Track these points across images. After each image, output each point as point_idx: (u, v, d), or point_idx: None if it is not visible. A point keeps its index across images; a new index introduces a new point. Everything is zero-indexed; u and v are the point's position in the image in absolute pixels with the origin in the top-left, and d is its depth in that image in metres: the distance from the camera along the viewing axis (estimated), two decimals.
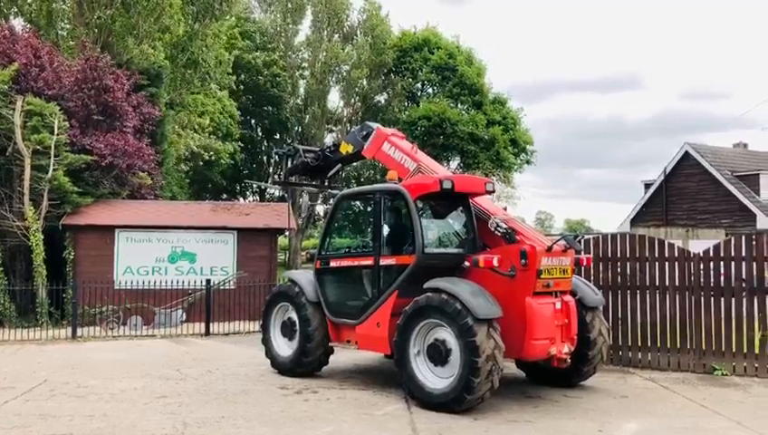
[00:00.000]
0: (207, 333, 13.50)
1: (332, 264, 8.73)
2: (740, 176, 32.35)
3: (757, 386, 8.34)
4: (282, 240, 34.17)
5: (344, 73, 42.07)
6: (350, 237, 9.43)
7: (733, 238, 9.40)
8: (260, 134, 45.92)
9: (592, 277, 9.78)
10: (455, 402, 6.85)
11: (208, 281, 14.33)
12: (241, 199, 46.60)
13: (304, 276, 9.02)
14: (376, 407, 7.28)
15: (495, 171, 42.91)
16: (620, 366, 9.56)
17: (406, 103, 44.43)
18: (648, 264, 9.58)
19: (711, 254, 9.26)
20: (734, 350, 8.98)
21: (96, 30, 21.07)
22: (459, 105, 43.91)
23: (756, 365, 8.81)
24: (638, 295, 9.61)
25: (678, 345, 9.30)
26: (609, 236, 10.11)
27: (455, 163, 45.69)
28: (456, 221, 8.54)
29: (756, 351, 8.83)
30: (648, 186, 35.66)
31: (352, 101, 43.97)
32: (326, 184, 10.90)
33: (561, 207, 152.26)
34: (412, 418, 6.85)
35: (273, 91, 40.98)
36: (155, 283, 14.59)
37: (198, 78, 27.56)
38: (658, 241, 9.71)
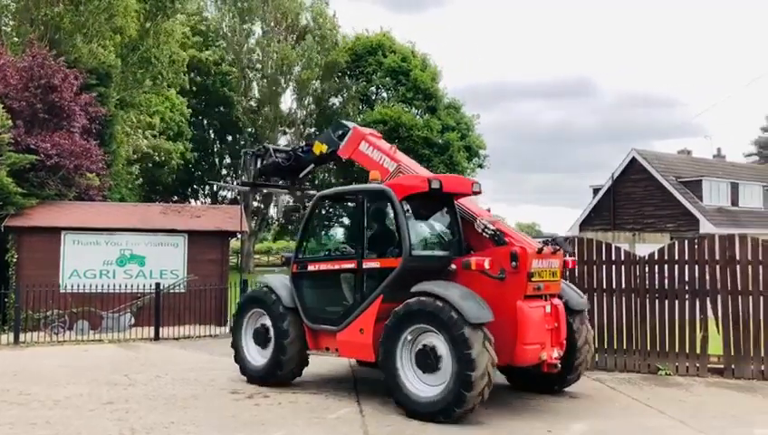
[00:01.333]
0: (157, 337, 13.25)
1: (310, 268, 8.34)
2: (684, 182, 33.41)
3: (698, 385, 8.62)
4: (234, 243, 33.75)
5: (296, 75, 41.86)
6: (328, 240, 9.00)
7: (676, 242, 9.71)
8: (212, 135, 45.37)
9: None
10: (442, 414, 6.64)
11: (158, 284, 14.07)
12: (192, 201, 45.92)
13: (280, 282, 8.62)
14: (328, 411, 7.27)
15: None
16: None
17: (361, 107, 44.51)
18: (595, 267, 9.82)
19: (656, 257, 9.54)
20: (677, 350, 9.27)
21: (42, 27, 20.49)
22: (414, 109, 44.23)
23: (698, 365, 9.11)
24: (586, 298, 9.84)
25: (625, 346, 9.55)
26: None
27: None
28: (440, 223, 8.24)
29: (698, 351, 9.13)
30: (596, 191, 36.49)
31: (306, 102, 43.80)
32: (297, 185, 10.60)
33: (512, 211, 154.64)
34: (364, 421, 6.86)
35: (225, 91, 40.54)
36: (103, 286, 14.25)
37: (150, 77, 27.06)
38: (606, 245, 9.96)
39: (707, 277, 9.19)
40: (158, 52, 25.88)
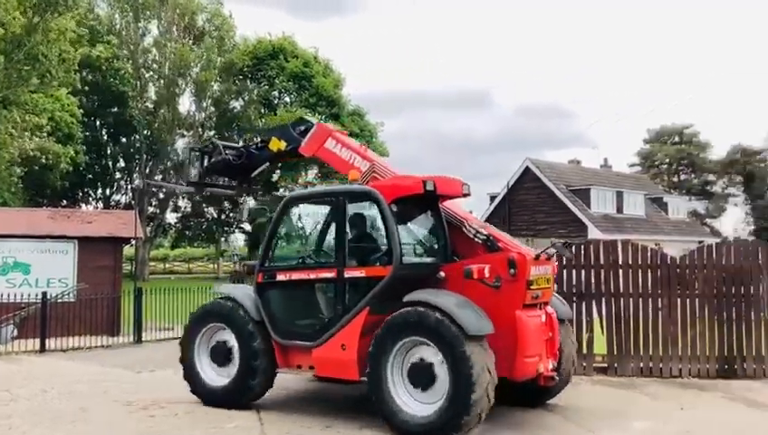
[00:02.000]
0: (43, 349, 12.55)
1: (280, 277, 7.52)
2: (574, 190, 35.18)
3: (585, 384, 9.10)
4: (128, 250, 32.47)
5: (194, 76, 40.90)
6: (301, 247, 8.14)
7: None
8: (105, 136, 43.49)
9: None
10: None
11: (44, 294, 13.35)
12: (83, 206, 43.80)
13: (243, 292, 7.79)
14: (227, 420, 7.14)
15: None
16: None
17: (263, 111, 44.00)
18: None
19: None
20: None
21: None
22: (317, 115, 44.17)
23: (584, 364, 9.62)
24: None
25: None
26: None
27: (312, 172, 45.80)
28: (426, 227, 7.69)
29: (584, 351, 9.64)
30: (492, 198, 37.80)
31: (205, 105, 42.83)
32: (248, 186, 9.70)
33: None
34: (263, 429, 6.80)
35: (118, 89, 38.87)
36: None
37: (38, 75, 25.64)
38: None
39: (593, 280, 9.74)
40: (47, 49, 24.57)
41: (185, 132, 43.23)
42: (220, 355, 7.69)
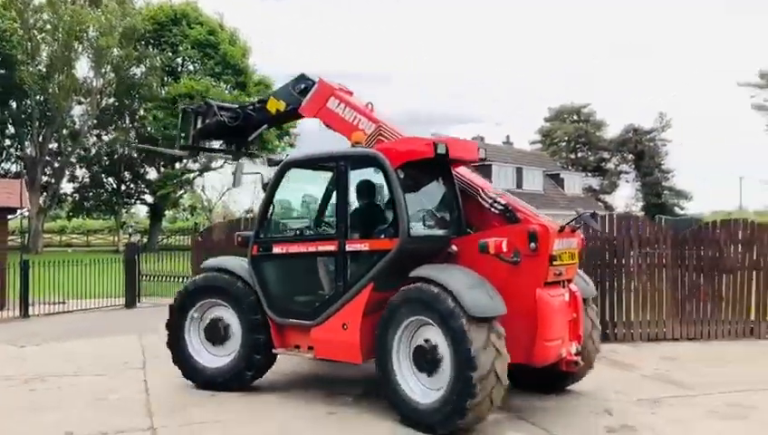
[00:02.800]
0: None
1: (276, 249, 6.90)
2: (476, 166, 36.14)
3: None
4: (18, 222, 30.90)
5: (92, 40, 39.01)
6: (299, 217, 7.53)
7: None
8: None
9: None
10: (442, 425, 5.53)
11: None
12: None
13: (239, 265, 7.12)
14: (111, 392, 7.10)
15: (259, 153, 43.11)
16: None
17: (165, 78, 42.60)
18: None
19: None
20: None
21: None
22: (222, 84, 43.25)
23: None
24: None
25: None
26: None
27: (216, 143, 44.79)
28: (437, 196, 6.88)
29: None
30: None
31: (104, 71, 40.98)
32: (245, 149, 9.00)
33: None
34: (149, 399, 6.83)
35: (5, 49, 36.49)
36: None
37: None
38: None
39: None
40: None
41: (82, 99, 41.30)
42: (216, 335, 7.13)
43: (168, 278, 16.20)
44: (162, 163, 43.63)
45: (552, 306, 5.88)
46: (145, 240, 34.46)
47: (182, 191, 45.10)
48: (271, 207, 7.09)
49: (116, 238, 47.94)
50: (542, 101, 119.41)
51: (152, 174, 44.99)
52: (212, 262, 7.57)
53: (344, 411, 6.36)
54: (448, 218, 6.73)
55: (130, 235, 15.18)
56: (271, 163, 7.49)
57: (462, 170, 6.94)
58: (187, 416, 6.23)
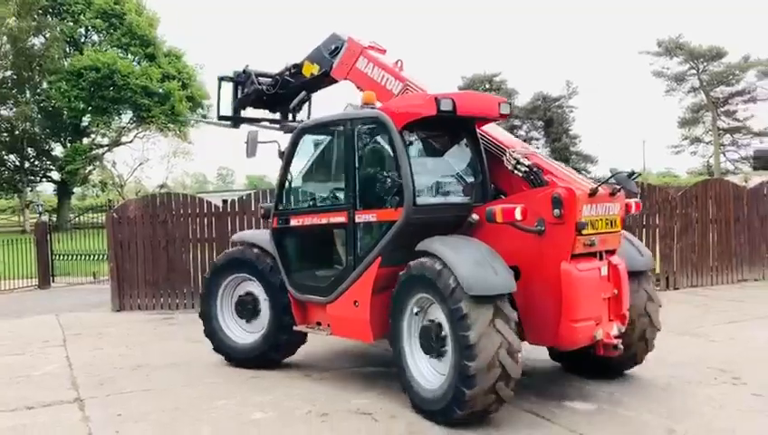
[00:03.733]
0: None
1: (293, 222, 6.55)
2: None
3: None
4: None
5: None
6: (314, 186, 6.94)
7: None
8: None
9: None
10: (443, 414, 5.01)
11: None
12: None
13: (264, 239, 6.81)
14: (33, 369, 7.16)
15: (171, 126, 42.07)
16: None
17: (68, 50, 40.74)
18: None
19: None
20: None
21: None
22: (130, 56, 41.77)
23: None
24: None
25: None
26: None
27: (127, 117, 43.52)
28: (457, 159, 6.20)
29: None
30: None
31: None
32: (289, 118, 8.39)
33: (242, 163, 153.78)
34: (73, 374, 6.94)
35: None
36: None
37: None
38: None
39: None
40: None
41: None
42: (247, 310, 6.90)
43: (83, 257, 15.97)
44: (69, 138, 41.91)
45: (581, 282, 5.12)
46: (54, 219, 33.21)
47: (91, 167, 43.47)
48: (288, 177, 6.73)
49: (21, 218, 45.80)
50: (455, 70, 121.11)
51: (58, 150, 43.14)
52: (242, 235, 7.43)
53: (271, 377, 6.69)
54: (470, 184, 6.03)
55: (40, 214, 14.66)
56: (285, 130, 7.26)
57: (488, 129, 6.22)
58: (113, 387, 6.40)
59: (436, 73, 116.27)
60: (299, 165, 6.88)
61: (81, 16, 39.86)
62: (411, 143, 5.89)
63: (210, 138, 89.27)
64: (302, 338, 6.80)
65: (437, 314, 5.17)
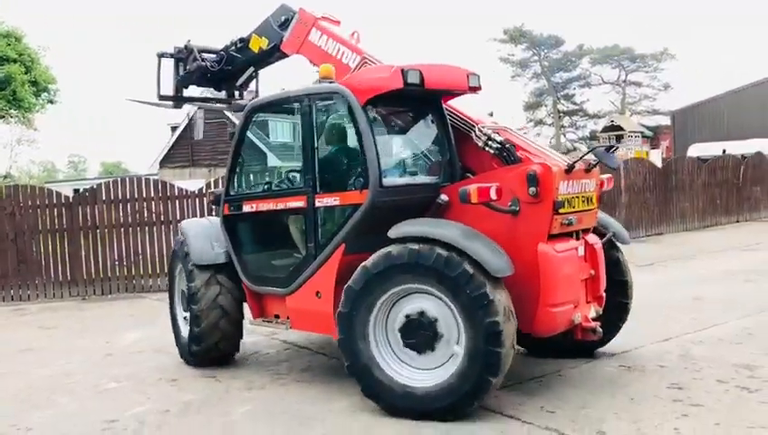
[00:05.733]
0: None
1: (246, 208, 6.04)
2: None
3: None
4: None
5: None
6: (268, 169, 6.52)
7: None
8: None
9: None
10: (452, 411, 4.61)
11: None
12: None
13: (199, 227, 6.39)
14: None
15: (12, 112, 39.62)
16: (135, 293, 11.04)
17: None
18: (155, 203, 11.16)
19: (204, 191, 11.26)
20: None
21: None
22: None
23: None
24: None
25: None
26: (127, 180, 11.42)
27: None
28: (424, 136, 5.87)
29: None
30: (174, 128, 37.65)
31: None
32: (236, 96, 7.85)
33: (95, 148, 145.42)
34: None
35: None
36: None
37: None
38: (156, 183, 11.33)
39: None
40: None
41: None
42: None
43: None
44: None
45: (559, 263, 4.80)
46: None
47: None
48: (239, 159, 6.25)
49: None
50: None
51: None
52: (187, 223, 6.82)
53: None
54: (438, 163, 5.75)
55: None
56: (236, 109, 6.76)
57: (455, 103, 5.85)
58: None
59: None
60: (251, 146, 6.48)
61: None
62: (375, 120, 5.48)
63: (58, 123, 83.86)
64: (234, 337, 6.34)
65: (423, 305, 4.73)
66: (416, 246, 4.65)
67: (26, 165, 65.99)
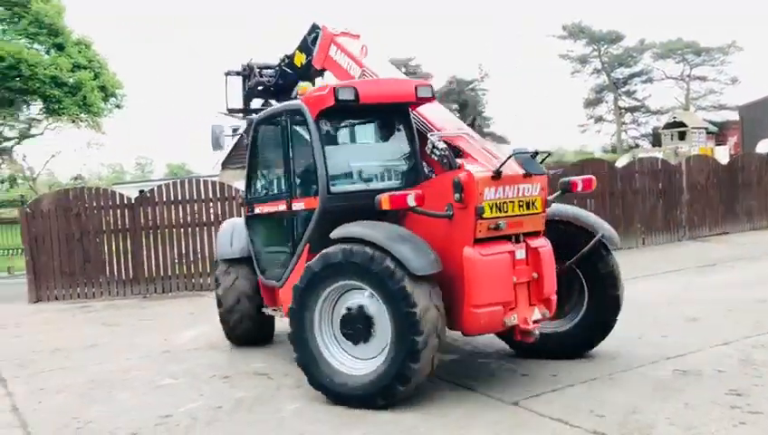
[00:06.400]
0: None
1: (256, 210, 6.86)
2: None
3: None
4: None
5: None
6: (268, 175, 7.20)
7: None
8: None
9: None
10: (382, 396, 4.99)
11: None
12: None
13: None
14: None
15: (83, 117, 41.23)
16: (194, 291, 11.35)
17: None
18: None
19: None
20: None
21: None
22: (38, 45, 40.59)
23: None
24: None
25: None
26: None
27: (36, 108, 42.31)
28: (388, 144, 6.36)
29: None
30: (234, 130, 38.43)
31: None
32: None
33: (162, 151, 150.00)
34: None
35: None
36: None
37: None
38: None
39: None
40: None
41: None
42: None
43: None
44: None
45: (483, 266, 5.02)
46: None
47: None
48: (253, 167, 7.00)
49: None
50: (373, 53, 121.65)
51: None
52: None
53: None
54: (400, 169, 6.14)
55: None
56: (249, 122, 7.47)
57: (425, 110, 6.22)
58: (35, 368, 7.01)
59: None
60: (258, 155, 7.12)
61: None
62: (331, 131, 6.15)
63: (127, 128, 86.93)
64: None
65: (359, 300, 5.12)
66: (348, 246, 5.08)
67: (96, 167, 68.76)
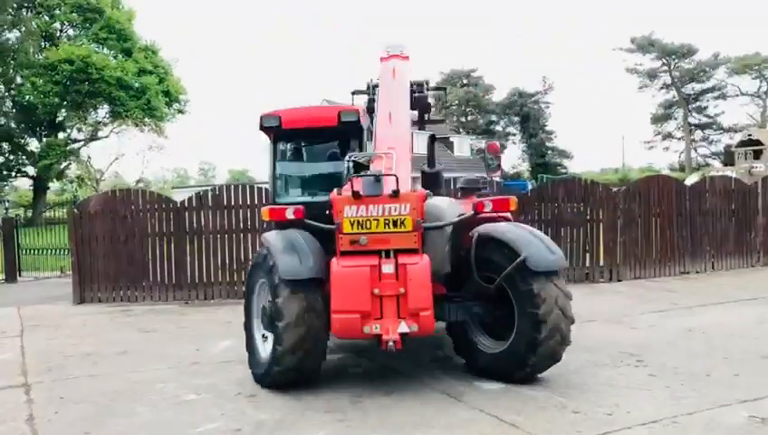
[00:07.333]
0: None
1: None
2: (369, 130, 36.99)
3: None
4: None
5: None
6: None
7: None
8: None
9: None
10: (261, 379, 6.00)
11: None
12: None
13: None
14: None
15: (147, 121, 42.20)
16: (236, 299, 11.08)
17: (43, 44, 40.76)
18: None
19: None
20: None
21: None
22: (106, 50, 41.86)
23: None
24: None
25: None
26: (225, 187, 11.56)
27: (103, 111, 43.58)
28: (337, 161, 7.00)
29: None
30: None
31: None
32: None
33: (225, 157, 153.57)
34: (25, 362, 7.31)
35: None
36: None
37: None
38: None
39: None
40: None
41: None
42: None
43: (50, 252, 16.26)
44: (44, 133, 41.93)
45: (342, 277, 5.45)
46: (29, 214, 33.27)
47: (67, 162, 43.46)
48: (275, 175, 7.39)
49: None
50: (432, 65, 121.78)
51: (33, 144, 43.08)
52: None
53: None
54: (327, 185, 6.62)
55: (7, 210, 14.98)
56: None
57: (379, 129, 6.76)
58: (61, 373, 6.80)
59: (415, 69, 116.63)
60: (279, 166, 7.53)
61: (57, 11, 39.86)
62: (291, 150, 7.25)
63: (190, 133, 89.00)
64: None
65: (268, 295, 5.84)
66: (260, 250, 6.09)
67: (159, 171, 70.46)
